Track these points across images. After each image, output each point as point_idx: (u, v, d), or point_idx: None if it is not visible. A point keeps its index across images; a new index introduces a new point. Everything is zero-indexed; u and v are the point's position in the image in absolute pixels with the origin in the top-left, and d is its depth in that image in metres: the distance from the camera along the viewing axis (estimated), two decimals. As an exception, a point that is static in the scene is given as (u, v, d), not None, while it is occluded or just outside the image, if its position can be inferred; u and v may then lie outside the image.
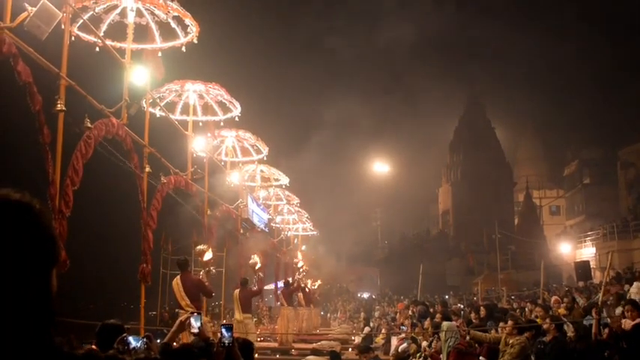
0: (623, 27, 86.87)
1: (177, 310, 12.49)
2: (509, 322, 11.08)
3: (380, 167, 62.92)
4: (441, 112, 73.53)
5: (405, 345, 15.38)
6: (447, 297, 36.78)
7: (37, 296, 1.50)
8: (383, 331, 20.41)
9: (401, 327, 16.54)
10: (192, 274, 13.02)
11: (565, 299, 16.04)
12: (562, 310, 13.83)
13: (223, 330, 4.50)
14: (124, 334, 4.37)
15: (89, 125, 9.30)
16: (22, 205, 1.55)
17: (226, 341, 4.45)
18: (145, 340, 4.26)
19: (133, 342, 4.24)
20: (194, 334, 5.11)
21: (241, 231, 20.41)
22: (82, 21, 10.52)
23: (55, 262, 1.59)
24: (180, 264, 13.12)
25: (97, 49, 11.09)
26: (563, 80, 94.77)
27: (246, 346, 5.38)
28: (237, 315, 16.34)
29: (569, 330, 10.69)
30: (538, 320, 11.54)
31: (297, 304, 23.91)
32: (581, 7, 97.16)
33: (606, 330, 10.58)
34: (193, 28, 11.83)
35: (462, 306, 23.91)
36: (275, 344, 19.61)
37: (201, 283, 12.59)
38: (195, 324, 5.00)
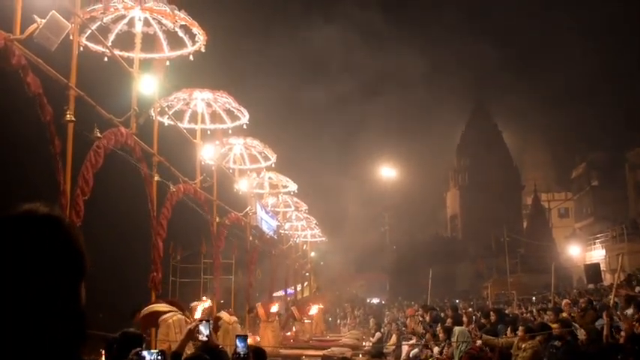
0: (631, 28, 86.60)
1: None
2: (521, 328, 11.08)
3: (387, 172, 62.82)
4: (448, 116, 73.38)
5: (416, 350, 15.37)
6: (457, 301, 36.63)
7: (68, 310, 1.52)
8: (394, 337, 20.35)
9: (420, 337, 16.34)
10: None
11: (581, 300, 15.95)
12: (575, 313, 13.75)
13: (238, 341, 4.51)
14: (139, 349, 4.37)
15: (99, 135, 9.33)
16: (51, 219, 1.56)
17: (241, 352, 4.46)
18: (159, 354, 4.26)
19: (147, 356, 4.25)
20: (202, 342, 5.12)
21: (250, 238, 20.42)
22: (90, 31, 10.56)
23: (83, 274, 1.60)
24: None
25: (106, 59, 11.12)
26: (570, 82, 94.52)
27: (259, 354, 5.39)
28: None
29: (581, 333, 10.63)
30: (553, 327, 11.45)
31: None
32: (589, 10, 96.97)
33: (622, 333, 10.54)
34: (201, 37, 11.86)
35: (472, 310, 23.79)
36: (287, 351, 19.57)
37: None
38: (204, 331, 5.02)
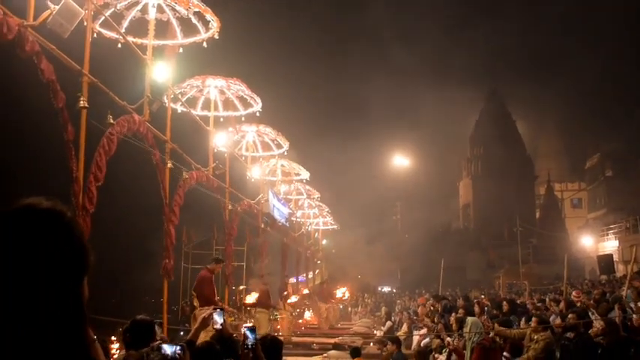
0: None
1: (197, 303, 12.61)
2: (534, 319, 11.01)
3: (400, 161, 62.78)
4: (462, 105, 73.05)
5: (427, 340, 15.34)
6: (471, 291, 36.56)
7: (68, 306, 1.48)
8: (404, 325, 20.33)
9: (434, 324, 16.30)
10: (205, 271, 13.04)
11: (595, 291, 15.83)
12: (588, 304, 13.65)
13: (247, 332, 4.48)
14: (159, 342, 4.35)
15: (112, 122, 9.33)
16: (53, 213, 1.52)
17: (250, 343, 4.44)
18: (179, 348, 4.24)
19: (168, 350, 4.23)
20: (217, 330, 5.11)
21: (262, 225, 20.43)
22: (103, 18, 10.54)
23: (86, 271, 1.56)
24: (211, 258, 13.56)
25: (119, 45, 11.11)
26: (585, 71, 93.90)
27: (275, 344, 5.38)
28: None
29: (598, 324, 10.53)
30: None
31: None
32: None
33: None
34: (214, 24, 11.81)
35: (483, 297, 23.67)
36: (298, 339, 19.62)
37: (200, 281, 12.70)
38: (218, 320, 5.00)
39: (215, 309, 5.21)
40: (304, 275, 32.41)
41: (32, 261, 1.44)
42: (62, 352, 1.45)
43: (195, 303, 12.55)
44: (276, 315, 18.42)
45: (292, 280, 30.06)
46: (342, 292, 30.53)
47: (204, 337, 5.43)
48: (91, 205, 8.49)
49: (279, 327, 19.36)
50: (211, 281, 12.81)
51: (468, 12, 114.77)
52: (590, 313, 11.83)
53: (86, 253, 1.55)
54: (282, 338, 17.07)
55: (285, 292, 21.18)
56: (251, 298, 15.30)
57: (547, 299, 17.70)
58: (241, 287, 16.13)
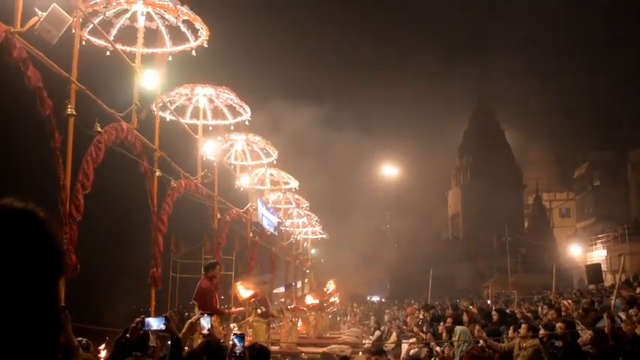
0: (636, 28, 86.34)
1: (186, 313, 12.50)
2: (523, 326, 11.01)
3: (389, 170, 62.79)
4: (451, 114, 73.24)
5: (416, 350, 15.31)
6: (459, 300, 36.57)
7: (41, 309, 1.44)
8: (393, 335, 20.29)
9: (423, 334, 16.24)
10: (205, 280, 12.55)
11: (583, 300, 15.85)
12: (577, 314, 13.68)
13: (235, 340, 4.46)
14: (142, 316, 4.32)
15: (99, 129, 9.28)
16: (24, 214, 1.48)
17: (238, 351, 4.42)
18: (164, 320, 4.21)
19: (154, 324, 4.20)
20: (204, 336, 5.07)
21: (251, 234, 20.36)
22: (92, 25, 10.49)
23: (60, 273, 1.52)
24: (204, 267, 12.74)
25: (108, 53, 11.06)
26: (573, 82, 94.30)
27: (262, 353, 5.34)
28: (249, 317, 16.27)
29: (586, 333, 10.57)
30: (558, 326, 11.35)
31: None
32: (595, 9, 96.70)
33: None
34: (203, 32, 11.79)
35: (472, 308, 23.63)
36: (286, 348, 19.54)
37: (201, 293, 11.70)
38: (205, 325, 4.97)
39: (202, 314, 5.18)
40: (293, 284, 32.29)
41: (3, 262, 1.40)
42: (31, 357, 1.41)
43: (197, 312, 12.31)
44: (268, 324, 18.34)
45: (281, 289, 29.94)
46: (329, 287, 30.17)
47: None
48: (77, 214, 8.45)
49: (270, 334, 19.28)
50: (212, 291, 12.01)
51: (459, 21, 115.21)
52: (578, 329, 11.85)
53: (61, 254, 1.52)
54: (284, 346, 17.02)
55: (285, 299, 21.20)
56: (247, 293, 15.09)
57: (539, 308, 17.71)
58: (238, 284, 15.83)
